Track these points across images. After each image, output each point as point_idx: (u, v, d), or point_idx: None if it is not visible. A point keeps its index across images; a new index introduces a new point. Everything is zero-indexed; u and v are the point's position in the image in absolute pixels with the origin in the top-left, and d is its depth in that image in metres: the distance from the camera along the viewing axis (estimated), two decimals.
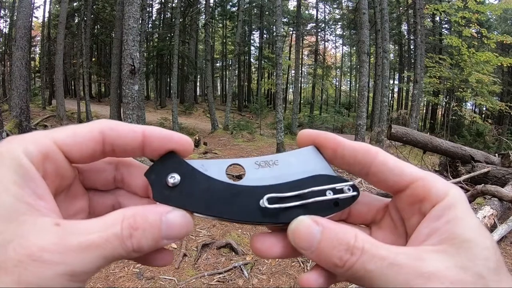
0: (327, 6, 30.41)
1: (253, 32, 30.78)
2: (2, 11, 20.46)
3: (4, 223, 0.21)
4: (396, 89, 28.94)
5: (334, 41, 34.25)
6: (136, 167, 0.32)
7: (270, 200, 0.28)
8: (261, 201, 0.28)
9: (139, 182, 0.31)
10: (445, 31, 21.85)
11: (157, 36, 24.59)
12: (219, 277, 2.66)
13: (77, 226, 0.23)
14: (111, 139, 0.27)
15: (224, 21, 28.68)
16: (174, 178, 0.28)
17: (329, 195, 0.29)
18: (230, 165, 0.30)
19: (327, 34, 32.28)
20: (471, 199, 4.24)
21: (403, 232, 0.30)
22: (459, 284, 0.22)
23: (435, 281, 0.22)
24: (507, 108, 15.94)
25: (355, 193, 0.30)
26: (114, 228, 0.23)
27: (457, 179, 5.59)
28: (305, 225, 0.26)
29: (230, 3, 25.40)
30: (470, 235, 0.24)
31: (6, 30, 21.41)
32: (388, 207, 0.32)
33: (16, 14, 13.42)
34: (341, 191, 0.29)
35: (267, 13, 27.41)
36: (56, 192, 0.26)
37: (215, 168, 0.30)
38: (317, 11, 29.71)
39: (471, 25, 15.49)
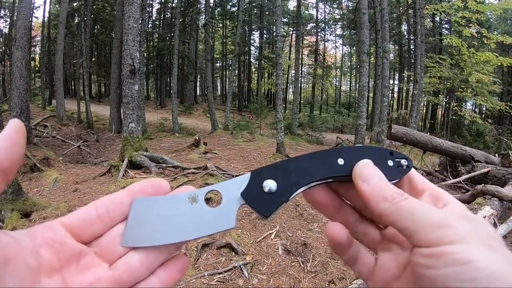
0: (327, 6, 30.38)
1: (253, 32, 30.78)
2: (2, 11, 20.46)
3: None
4: (396, 89, 28.92)
5: (334, 41, 34.25)
6: None
7: None
8: None
9: None
10: (445, 31, 21.82)
11: (157, 36, 24.59)
12: (219, 277, 2.66)
13: None
14: None
15: (224, 21, 28.67)
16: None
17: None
18: None
19: (327, 34, 32.29)
20: (471, 199, 4.23)
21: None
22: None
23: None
24: (507, 108, 15.90)
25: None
26: None
27: (457, 179, 5.59)
28: (371, 164, 0.33)
29: (230, 3, 25.40)
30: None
31: (6, 30, 21.41)
32: None
33: (16, 14, 13.41)
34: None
35: (267, 13, 27.38)
36: None
37: None
38: (317, 11, 29.71)
39: (471, 25, 15.45)
